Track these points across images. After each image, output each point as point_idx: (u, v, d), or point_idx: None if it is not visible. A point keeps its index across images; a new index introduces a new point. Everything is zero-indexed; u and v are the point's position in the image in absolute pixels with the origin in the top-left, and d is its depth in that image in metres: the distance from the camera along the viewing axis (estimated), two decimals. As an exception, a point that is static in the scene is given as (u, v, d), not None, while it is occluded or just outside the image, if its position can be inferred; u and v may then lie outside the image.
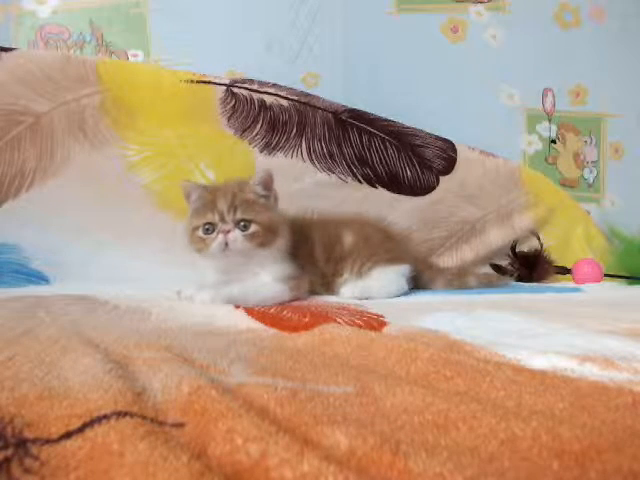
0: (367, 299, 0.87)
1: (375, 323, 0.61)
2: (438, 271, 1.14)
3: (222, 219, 0.81)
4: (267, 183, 0.86)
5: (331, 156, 1.28)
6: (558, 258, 1.34)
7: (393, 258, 0.97)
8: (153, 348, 0.44)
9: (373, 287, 0.90)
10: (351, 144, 1.30)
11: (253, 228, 0.82)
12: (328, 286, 0.95)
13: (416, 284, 1.01)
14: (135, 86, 1.16)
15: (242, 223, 0.81)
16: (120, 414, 0.29)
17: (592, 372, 0.40)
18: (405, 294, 0.95)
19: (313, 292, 0.92)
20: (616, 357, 0.43)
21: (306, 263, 0.91)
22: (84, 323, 0.59)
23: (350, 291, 0.89)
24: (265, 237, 0.83)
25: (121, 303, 0.74)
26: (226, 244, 0.80)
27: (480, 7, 1.57)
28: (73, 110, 1.12)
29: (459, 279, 1.10)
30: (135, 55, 1.35)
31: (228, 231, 0.80)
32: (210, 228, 0.81)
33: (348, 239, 0.97)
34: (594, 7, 1.65)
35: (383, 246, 0.98)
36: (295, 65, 1.44)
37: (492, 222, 1.40)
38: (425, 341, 0.50)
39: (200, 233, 0.82)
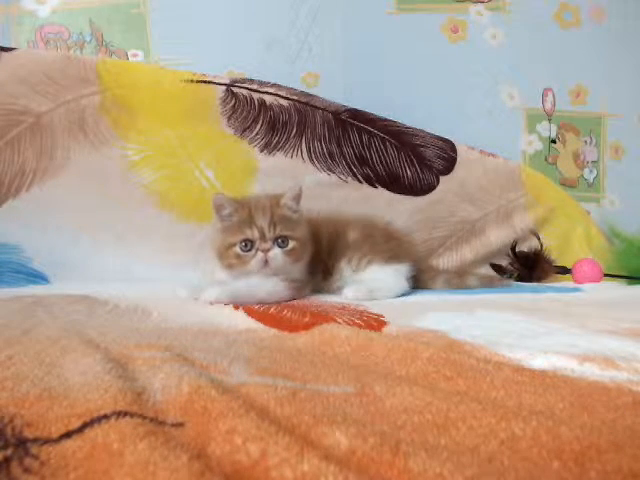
0: (370, 300, 0.87)
1: (375, 323, 0.61)
2: (438, 271, 1.14)
3: (262, 236, 0.81)
4: (298, 198, 0.88)
5: (331, 156, 1.28)
6: (558, 258, 1.34)
7: (393, 257, 0.97)
8: (153, 348, 0.44)
9: (376, 289, 0.90)
10: (351, 144, 1.30)
11: (291, 244, 0.83)
12: (328, 276, 0.96)
13: (416, 284, 1.01)
14: (135, 86, 1.16)
15: (280, 239, 0.82)
16: (120, 414, 0.29)
17: (592, 372, 0.40)
18: (405, 294, 0.95)
19: (316, 289, 0.93)
20: (616, 357, 0.43)
21: (313, 260, 0.92)
22: (84, 323, 0.59)
23: (353, 293, 0.89)
24: (301, 252, 0.85)
25: (121, 303, 0.74)
26: (266, 261, 0.80)
27: (480, 7, 1.57)
28: (73, 110, 1.12)
29: (459, 279, 1.10)
30: (135, 55, 1.35)
31: (268, 249, 0.81)
32: (249, 245, 0.81)
33: (352, 235, 0.98)
34: (594, 7, 1.65)
35: (385, 244, 0.98)
36: (295, 65, 1.44)
37: (492, 222, 1.40)
38: (425, 341, 0.50)
39: (237, 250, 0.82)
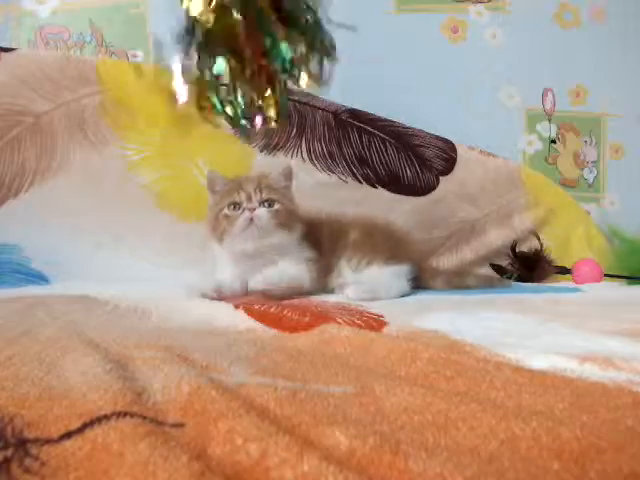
0: (372, 300, 0.87)
1: (375, 323, 0.61)
2: (438, 271, 1.14)
3: (249, 199, 0.86)
4: (288, 175, 0.94)
5: (331, 156, 1.28)
6: (558, 258, 1.34)
7: (394, 257, 0.97)
8: (153, 348, 0.44)
9: (377, 290, 0.90)
10: (351, 144, 1.30)
11: (276, 206, 0.88)
12: (328, 274, 0.96)
13: (416, 284, 1.01)
14: (135, 86, 1.16)
15: (266, 202, 0.87)
16: (120, 414, 0.28)
17: (592, 372, 0.40)
18: (406, 294, 0.95)
19: (316, 290, 0.93)
20: (616, 357, 0.43)
21: (315, 260, 0.93)
22: (84, 323, 0.59)
23: (354, 293, 0.88)
24: (286, 218, 0.89)
25: (121, 303, 0.74)
26: (251, 220, 0.85)
27: (480, 7, 1.57)
28: (73, 110, 1.12)
29: (459, 279, 1.10)
30: (135, 55, 1.35)
31: (254, 209, 0.86)
32: (236, 207, 0.87)
33: (352, 235, 0.98)
34: (594, 7, 1.65)
35: (385, 245, 0.98)
36: (295, 65, 1.44)
37: (492, 222, 1.40)
38: (425, 341, 0.50)
39: (226, 211, 0.87)
